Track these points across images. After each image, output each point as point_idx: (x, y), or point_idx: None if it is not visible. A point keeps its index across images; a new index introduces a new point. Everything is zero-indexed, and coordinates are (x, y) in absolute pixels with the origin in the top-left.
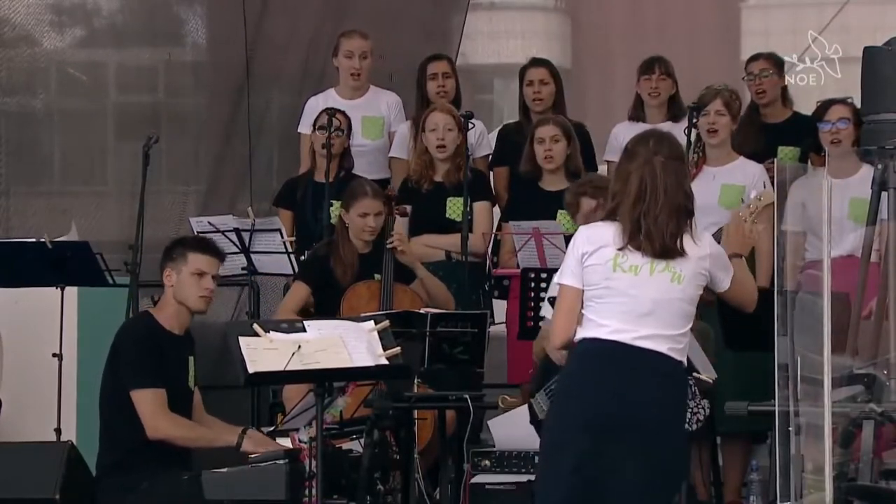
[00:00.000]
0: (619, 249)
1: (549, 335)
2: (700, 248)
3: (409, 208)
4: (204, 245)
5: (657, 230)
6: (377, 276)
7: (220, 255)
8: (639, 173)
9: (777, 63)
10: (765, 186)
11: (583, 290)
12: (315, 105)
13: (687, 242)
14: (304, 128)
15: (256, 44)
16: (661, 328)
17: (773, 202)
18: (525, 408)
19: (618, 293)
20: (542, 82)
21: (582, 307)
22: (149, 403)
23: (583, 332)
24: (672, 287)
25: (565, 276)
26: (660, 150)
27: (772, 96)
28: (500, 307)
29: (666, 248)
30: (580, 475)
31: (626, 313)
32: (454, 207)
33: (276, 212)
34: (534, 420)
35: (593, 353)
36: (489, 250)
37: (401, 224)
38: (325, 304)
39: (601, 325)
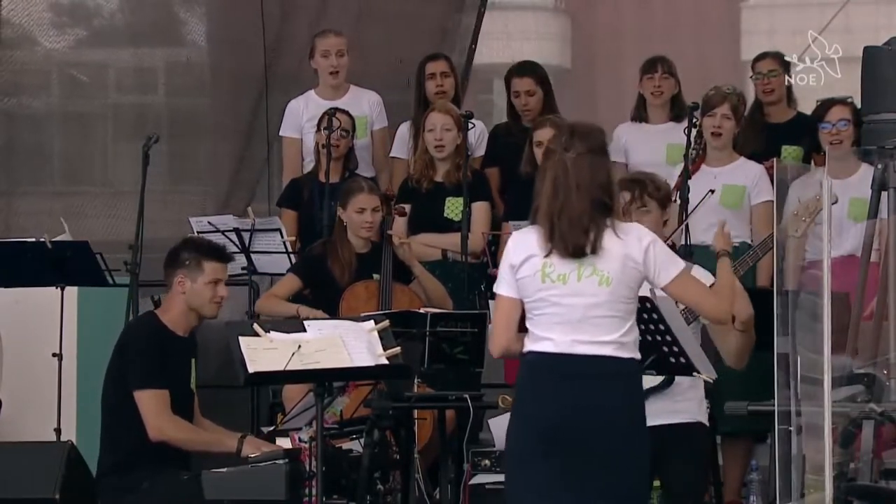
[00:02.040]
0: (546, 256)
1: (489, 345)
2: (625, 242)
3: (406, 208)
4: (218, 253)
5: (570, 228)
6: (375, 276)
7: (231, 259)
8: (552, 171)
9: (783, 62)
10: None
11: (520, 300)
12: (296, 107)
13: (609, 239)
14: (287, 131)
15: (276, 47)
16: (599, 334)
17: (836, 202)
18: None
19: (550, 304)
20: (528, 93)
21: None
22: (152, 404)
23: (528, 345)
24: (601, 290)
25: (500, 286)
26: (572, 145)
27: (778, 95)
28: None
29: (579, 248)
30: (540, 487)
31: (562, 324)
32: (452, 207)
33: (279, 212)
34: None
35: (538, 366)
36: (487, 250)
37: (399, 224)
38: (324, 305)
39: (542, 338)
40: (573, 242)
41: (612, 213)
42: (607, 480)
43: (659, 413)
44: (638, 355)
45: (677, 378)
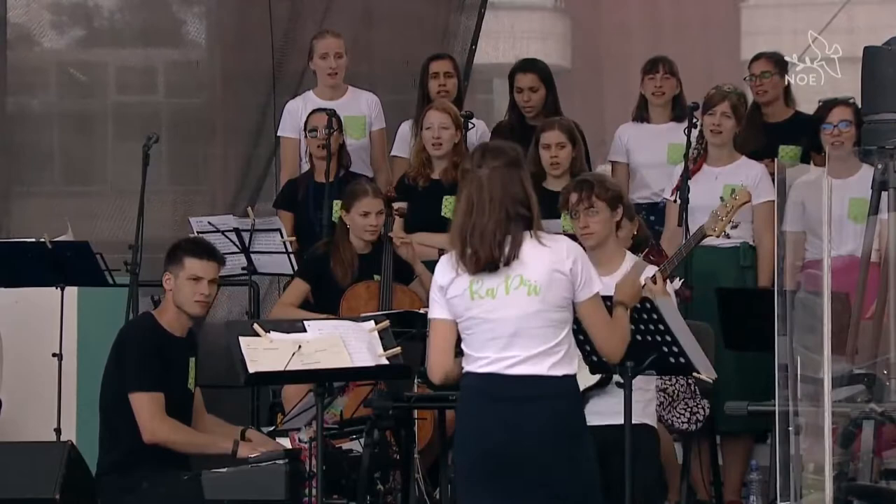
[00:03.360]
0: (473, 275)
1: (428, 371)
2: (552, 250)
3: (405, 207)
4: (200, 249)
5: (481, 243)
6: (376, 277)
7: (216, 258)
8: (467, 190)
9: (778, 63)
10: (742, 186)
11: (454, 322)
12: (295, 108)
13: (531, 248)
14: (285, 131)
15: (283, 47)
16: (534, 346)
17: (749, 201)
18: None
19: (481, 321)
20: (532, 89)
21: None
22: (146, 407)
23: (465, 365)
24: (531, 300)
25: (433, 310)
26: (484, 161)
27: (773, 96)
28: None
29: (490, 261)
30: None
31: (494, 340)
32: (450, 206)
33: (277, 214)
34: None
35: (474, 390)
36: None
37: (398, 222)
38: (325, 305)
39: (477, 358)
40: (485, 255)
41: (532, 224)
42: (546, 501)
43: (600, 413)
44: (573, 369)
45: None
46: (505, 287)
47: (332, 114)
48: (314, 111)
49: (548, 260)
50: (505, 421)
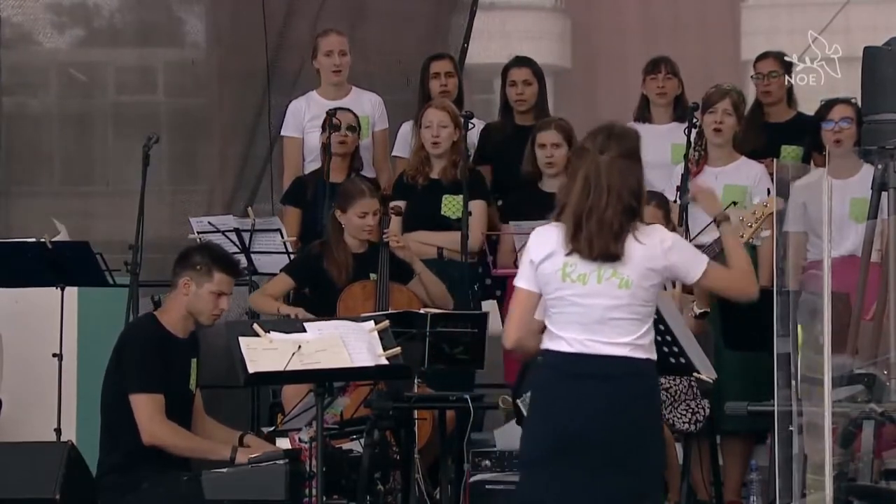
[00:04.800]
0: (568, 255)
1: (503, 335)
2: (647, 246)
3: (402, 206)
4: (232, 266)
5: (598, 231)
6: (373, 276)
7: (242, 275)
8: (584, 171)
9: (784, 63)
10: (769, 192)
11: (539, 295)
12: (297, 108)
13: (629, 244)
14: (288, 131)
15: (278, 47)
16: (617, 336)
17: (780, 209)
18: None
19: (569, 303)
20: (525, 83)
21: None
22: (147, 409)
23: (546, 343)
24: (621, 293)
25: (520, 279)
26: (607, 147)
27: (777, 96)
28: (486, 306)
29: (605, 252)
30: (553, 490)
31: (580, 324)
32: (450, 205)
33: (282, 209)
34: (521, 421)
35: (555, 367)
36: (486, 250)
37: (395, 222)
38: (322, 305)
39: (559, 336)
40: (600, 247)
41: (636, 217)
42: (624, 481)
43: None
44: (654, 356)
45: None
46: (598, 275)
47: (332, 113)
48: (336, 110)
49: (642, 256)
50: (587, 398)
